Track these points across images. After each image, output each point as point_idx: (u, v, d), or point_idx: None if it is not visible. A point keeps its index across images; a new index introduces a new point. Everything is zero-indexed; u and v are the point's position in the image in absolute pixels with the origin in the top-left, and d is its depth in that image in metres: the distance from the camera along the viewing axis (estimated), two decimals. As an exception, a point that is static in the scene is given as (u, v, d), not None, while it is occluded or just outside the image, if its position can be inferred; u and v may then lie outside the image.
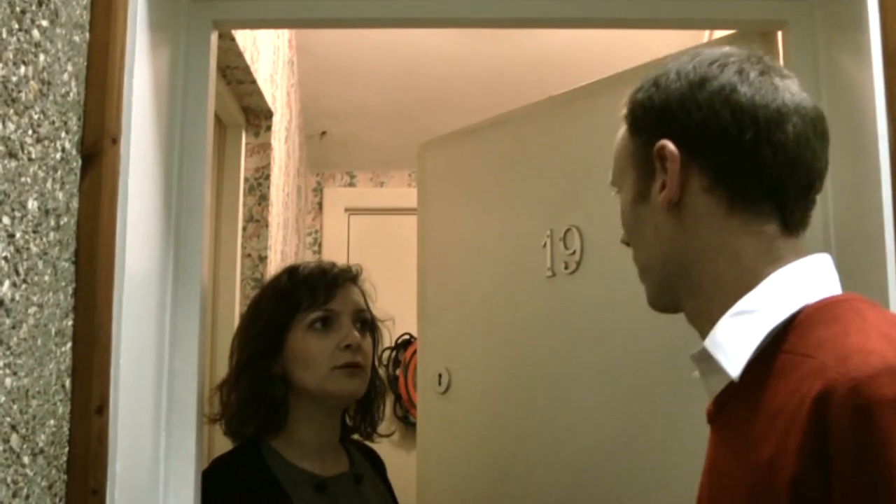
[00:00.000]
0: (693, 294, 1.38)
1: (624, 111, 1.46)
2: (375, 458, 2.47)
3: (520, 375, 2.82)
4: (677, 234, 1.36)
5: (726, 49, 1.39)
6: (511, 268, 2.88)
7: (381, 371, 2.40)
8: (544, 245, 2.74)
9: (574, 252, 2.64)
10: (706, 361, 1.33)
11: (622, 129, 1.47)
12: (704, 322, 1.35)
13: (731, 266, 1.33)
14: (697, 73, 1.34)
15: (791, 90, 1.34)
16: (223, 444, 2.81)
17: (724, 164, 1.32)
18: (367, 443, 2.46)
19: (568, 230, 2.67)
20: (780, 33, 2.10)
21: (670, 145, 1.34)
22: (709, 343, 1.31)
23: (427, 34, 4.60)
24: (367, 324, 2.32)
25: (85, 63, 1.64)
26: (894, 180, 1.73)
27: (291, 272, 2.30)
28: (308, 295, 2.22)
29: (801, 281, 1.29)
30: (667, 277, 1.41)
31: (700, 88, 1.33)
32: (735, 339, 1.28)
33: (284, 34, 4.37)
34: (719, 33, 2.69)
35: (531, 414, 2.76)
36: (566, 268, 2.67)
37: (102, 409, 1.62)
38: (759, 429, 1.19)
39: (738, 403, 1.28)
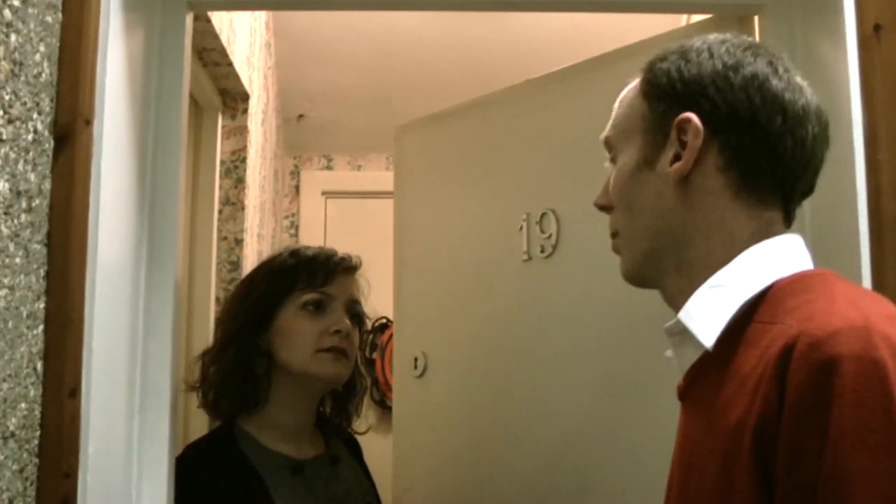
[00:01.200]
0: (679, 270, 1.39)
1: (639, 77, 1.46)
2: (352, 441, 2.46)
3: (496, 359, 2.82)
4: (680, 207, 1.37)
5: (751, 38, 1.42)
6: (487, 251, 2.87)
7: (358, 355, 2.37)
8: (520, 228, 2.74)
9: (550, 236, 2.63)
10: (680, 335, 1.35)
11: (631, 93, 1.47)
12: (684, 297, 1.35)
13: (723, 247, 1.34)
14: (732, 55, 1.36)
15: (809, 93, 1.37)
16: (198, 429, 2.81)
17: (746, 147, 1.33)
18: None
19: (544, 214, 2.67)
20: (756, 17, 2.10)
21: (696, 120, 1.34)
22: (683, 314, 1.33)
23: (405, 17, 4.59)
24: (358, 316, 2.33)
25: (58, 43, 1.63)
26: (869, 165, 1.74)
27: (293, 252, 2.30)
28: (306, 275, 2.22)
29: (776, 256, 1.32)
30: (656, 250, 1.41)
31: (735, 71, 1.34)
32: (709, 310, 1.30)
33: (261, 16, 4.34)
34: (697, 18, 2.69)
35: (507, 397, 2.76)
36: (542, 251, 2.67)
37: (75, 392, 1.61)
38: (728, 395, 1.21)
39: (708, 376, 1.30)
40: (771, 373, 1.12)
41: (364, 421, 2.51)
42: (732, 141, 1.34)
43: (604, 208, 1.51)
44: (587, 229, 2.46)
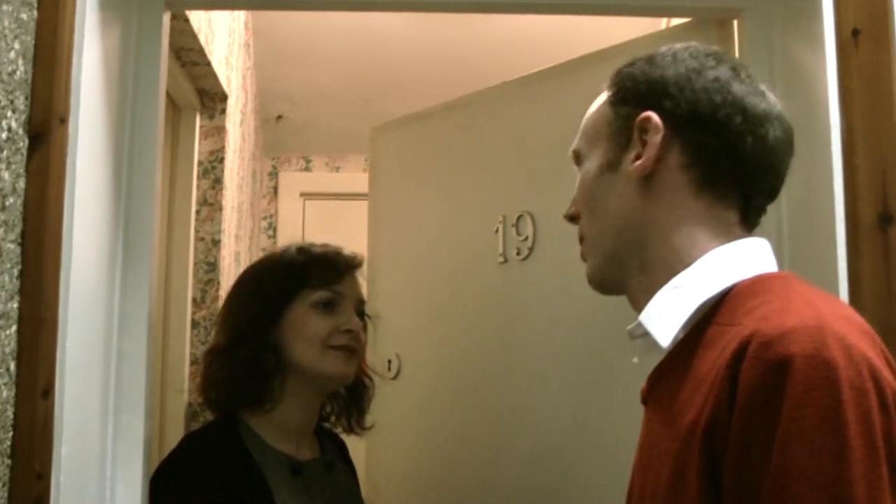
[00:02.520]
0: (641, 269, 1.40)
1: (608, 83, 1.48)
2: (338, 441, 2.46)
3: (470, 361, 2.82)
4: (641, 206, 1.38)
5: (716, 47, 1.44)
6: (463, 253, 2.87)
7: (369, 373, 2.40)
8: (497, 231, 2.74)
9: (526, 238, 2.64)
10: (642, 338, 1.37)
11: (599, 101, 1.49)
12: (645, 298, 1.37)
13: (684, 244, 1.35)
14: (695, 59, 1.39)
15: (773, 100, 1.39)
16: (174, 429, 2.80)
17: (706, 145, 1.35)
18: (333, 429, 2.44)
19: (520, 216, 2.67)
20: (735, 21, 2.11)
21: (656, 117, 1.36)
22: (643, 315, 1.35)
23: (384, 18, 4.58)
24: (363, 316, 2.33)
25: (32, 41, 1.62)
26: (846, 170, 1.75)
27: (302, 249, 2.29)
28: (319, 272, 2.21)
29: (737, 258, 1.33)
30: (618, 251, 1.42)
31: (697, 74, 1.37)
32: (667, 311, 1.32)
33: (240, 16, 4.33)
34: (677, 21, 2.69)
35: (481, 400, 2.76)
36: (518, 254, 2.67)
37: (48, 392, 1.60)
38: (685, 397, 1.22)
39: (668, 379, 1.31)
40: (723, 373, 1.12)
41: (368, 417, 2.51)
42: (694, 138, 1.36)
43: (573, 219, 1.52)
44: (563, 232, 2.44)
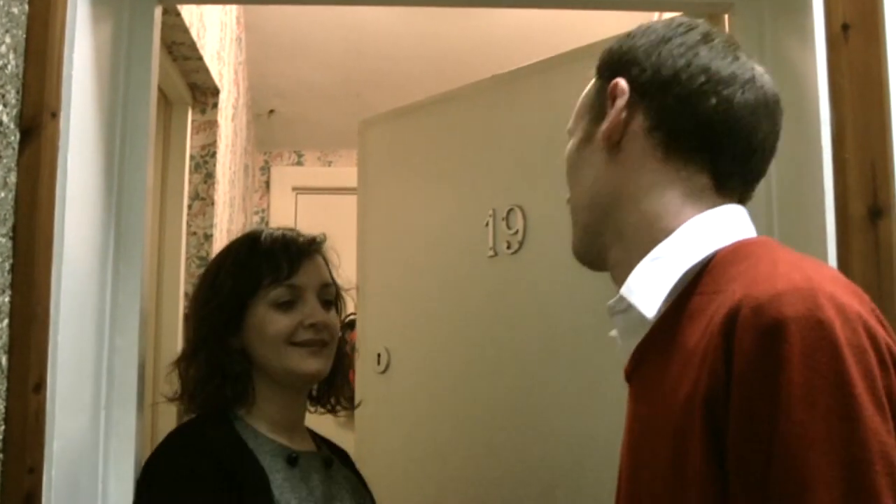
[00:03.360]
0: (617, 240, 1.37)
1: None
2: (346, 457, 2.34)
3: (460, 355, 2.82)
4: (611, 172, 1.37)
5: (702, 20, 1.42)
6: (453, 247, 2.88)
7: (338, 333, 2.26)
8: (487, 224, 2.74)
9: (516, 232, 2.64)
10: (624, 312, 1.34)
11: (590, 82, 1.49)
12: (624, 271, 1.33)
13: (655, 209, 1.33)
14: (669, 28, 1.37)
15: (753, 67, 1.36)
16: (167, 424, 2.80)
17: (668, 106, 1.33)
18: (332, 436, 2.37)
19: (511, 210, 2.67)
20: (726, 16, 2.12)
21: (622, 81, 1.36)
22: (625, 289, 1.31)
23: (376, 13, 4.59)
24: (332, 299, 2.18)
25: (24, 35, 1.62)
26: (836, 164, 1.75)
27: (252, 242, 2.13)
28: (271, 269, 2.07)
29: (715, 225, 1.30)
30: (594, 221, 1.40)
31: (666, 42, 1.35)
32: (649, 282, 1.28)
33: (232, 11, 4.33)
34: (668, 15, 2.70)
35: (471, 393, 2.77)
36: (508, 247, 2.67)
37: (40, 386, 1.60)
38: (676, 371, 1.19)
39: (653, 354, 1.29)
40: (716, 342, 1.09)
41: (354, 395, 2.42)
42: (656, 101, 1.34)
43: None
44: (553, 226, 2.46)
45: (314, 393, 2.24)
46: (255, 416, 2.05)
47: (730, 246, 1.26)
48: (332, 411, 2.28)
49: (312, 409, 2.25)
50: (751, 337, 1.05)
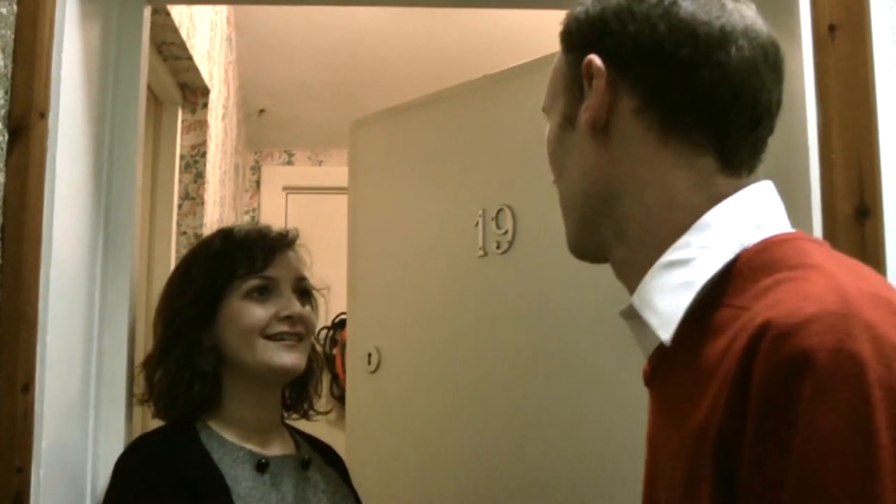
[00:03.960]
0: (619, 237, 1.22)
1: (560, 29, 1.31)
2: (331, 454, 2.29)
3: (450, 355, 2.82)
4: (603, 163, 1.22)
5: None
6: (443, 247, 2.88)
7: (318, 349, 2.24)
8: (476, 224, 2.74)
9: (506, 232, 2.64)
10: (636, 318, 1.19)
11: (558, 55, 1.32)
12: (632, 271, 1.21)
13: (660, 201, 1.18)
14: None
15: (743, 13, 1.20)
16: (156, 423, 2.79)
17: (657, 82, 1.18)
18: (320, 436, 2.33)
19: (500, 210, 2.67)
20: (714, 16, 2.12)
21: (597, 60, 1.19)
22: (636, 300, 1.18)
23: (366, 12, 4.58)
24: (307, 293, 2.14)
25: (12, 35, 1.62)
26: (823, 163, 1.76)
27: (225, 235, 2.10)
28: (245, 260, 2.02)
29: (739, 220, 1.14)
30: (590, 216, 1.26)
31: (639, 1, 1.19)
32: (666, 297, 1.14)
33: (222, 11, 4.33)
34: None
35: (461, 393, 2.77)
36: (498, 247, 2.67)
37: (28, 386, 1.60)
38: (690, 390, 1.06)
39: (673, 364, 1.15)
40: (735, 372, 0.96)
41: (325, 401, 2.38)
42: (643, 77, 1.19)
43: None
44: (543, 225, 2.47)
45: (287, 399, 2.20)
46: (224, 421, 2.01)
47: (755, 246, 1.11)
48: (306, 416, 2.24)
49: (286, 416, 2.21)
50: (771, 369, 0.92)
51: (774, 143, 1.79)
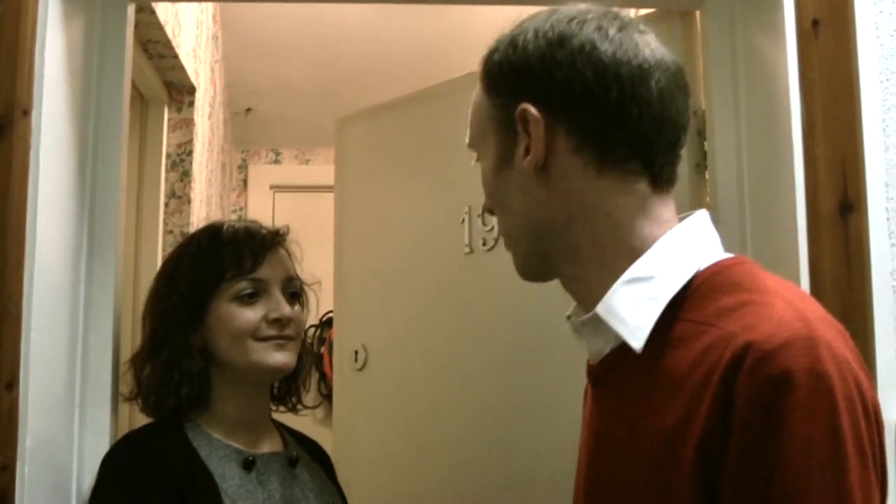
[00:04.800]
0: (568, 257, 1.32)
1: (479, 72, 1.39)
2: (318, 451, 2.29)
3: (437, 352, 2.82)
4: (547, 198, 1.30)
5: (582, 6, 1.34)
6: (429, 244, 2.88)
7: (303, 331, 2.20)
8: (462, 221, 2.75)
9: (492, 229, 2.64)
10: (593, 325, 1.30)
11: (477, 93, 1.40)
12: (583, 287, 1.32)
13: (606, 227, 1.28)
14: (556, 31, 1.29)
15: (651, 45, 1.30)
16: (144, 421, 2.79)
17: (591, 123, 1.27)
18: (307, 433, 2.31)
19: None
20: (698, 13, 2.13)
21: (532, 109, 1.28)
22: (602, 310, 1.26)
23: (352, 10, 4.59)
24: (296, 293, 2.12)
25: (-5, 33, 1.62)
26: (806, 158, 1.76)
27: (213, 234, 2.07)
28: (233, 262, 2.00)
29: (691, 244, 1.27)
30: (537, 245, 1.35)
31: (560, 47, 1.28)
32: (634, 309, 1.23)
33: (208, 9, 4.33)
34: (643, 12, 2.71)
35: (449, 389, 2.77)
36: (484, 244, 2.68)
37: (12, 384, 1.61)
38: (660, 397, 1.17)
39: (629, 370, 1.25)
40: (717, 387, 1.08)
41: (313, 395, 2.36)
42: (576, 120, 1.27)
43: (491, 212, 1.46)
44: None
45: (275, 392, 2.19)
46: (212, 419, 2.00)
47: (709, 268, 1.24)
48: (294, 410, 2.23)
49: (274, 408, 2.21)
50: (756, 387, 1.05)
51: (758, 138, 1.80)
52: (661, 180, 1.30)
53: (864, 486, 1.04)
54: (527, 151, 1.30)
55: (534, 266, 1.40)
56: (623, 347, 1.26)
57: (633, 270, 1.25)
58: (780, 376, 1.04)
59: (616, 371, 1.30)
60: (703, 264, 1.25)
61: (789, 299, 1.15)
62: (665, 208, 1.31)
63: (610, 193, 1.28)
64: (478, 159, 1.43)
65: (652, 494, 1.16)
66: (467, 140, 1.44)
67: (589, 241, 1.29)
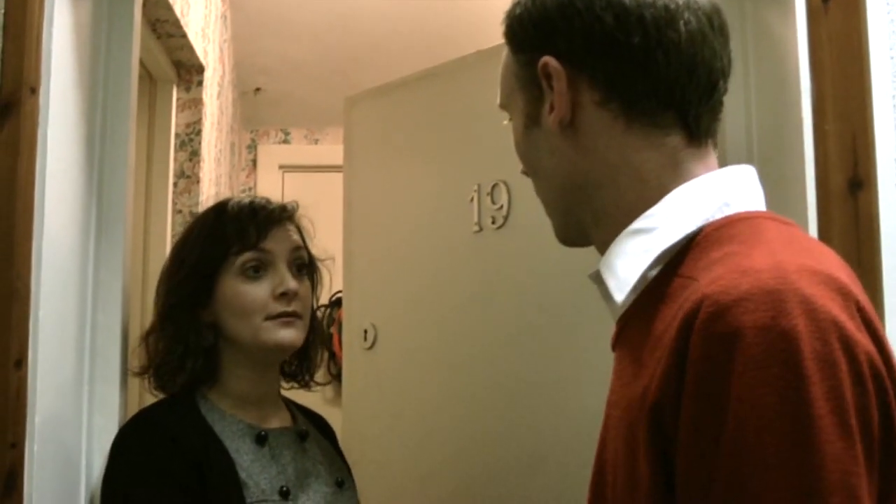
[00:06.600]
0: (598, 222, 1.25)
1: (502, 29, 1.32)
2: (324, 425, 2.30)
3: (446, 330, 2.83)
4: (576, 156, 1.23)
5: None
6: (438, 223, 2.88)
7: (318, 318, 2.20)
8: (471, 200, 2.74)
9: (501, 207, 2.64)
10: (601, 285, 1.23)
11: (505, 53, 1.34)
12: None
13: (632, 184, 1.20)
14: None
15: None
16: (151, 399, 2.80)
17: (614, 73, 1.19)
18: (313, 408, 2.33)
19: (495, 185, 2.67)
20: (706, -11, 2.12)
21: (553, 62, 1.21)
22: (603, 264, 1.22)
23: (361, -11, 4.58)
24: (306, 266, 2.10)
25: (2, 10, 1.62)
26: (816, 136, 1.75)
27: (220, 210, 2.07)
28: (238, 235, 1.99)
29: (706, 196, 1.17)
30: (571, 208, 1.28)
31: None
32: (625, 261, 1.18)
33: (217, -12, 4.32)
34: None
35: (457, 369, 2.77)
36: (493, 223, 2.68)
37: (21, 362, 1.61)
38: (644, 357, 1.08)
39: (633, 330, 1.17)
40: (672, 344, 0.99)
41: (323, 373, 2.36)
42: (599, 70, 1.20)
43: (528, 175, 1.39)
44: (538, 200, 2.45)
45: (286, 368, 2.19)
46: (222, 394, 2.01)
47: (717, 221, 1.13)
48: (306, 386, 2.24)
49: (287, 385, 2.21)
50: (704, 345, 0.95)
51: (768, 114, 1.80)
52: (698, 132, 1.22)
53: (843, 464, 0.89)
54: (552, 108, 1.23)
55: (570, 231, 1.33)
56: (632, 307, 1.19)
57: (638, 222, 1.19)
58: (728, 334, 0.93)
59: (626, 332, 1.21)
60: (713, 217, 1.14)
61: (775, 249, 1.04)
62: (699, 163, 1.21)
63: (638, 149, 1.20)
64: (510, 120, 1.37)
65: (626, 461, 1.06)
66: (498, 100, 1.39)
67: (615, 204, 1.22)
